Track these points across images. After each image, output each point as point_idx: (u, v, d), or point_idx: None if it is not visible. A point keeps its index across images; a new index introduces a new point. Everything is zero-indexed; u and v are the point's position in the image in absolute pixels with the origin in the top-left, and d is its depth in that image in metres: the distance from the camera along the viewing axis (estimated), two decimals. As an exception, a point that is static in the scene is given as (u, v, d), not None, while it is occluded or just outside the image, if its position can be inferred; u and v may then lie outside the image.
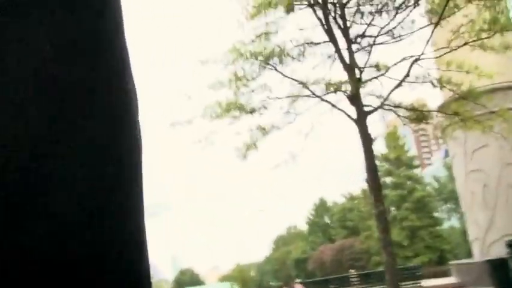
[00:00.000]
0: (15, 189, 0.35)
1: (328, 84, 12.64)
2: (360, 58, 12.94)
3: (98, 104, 0.41)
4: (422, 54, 12.57)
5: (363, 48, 12.96)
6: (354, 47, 12.86)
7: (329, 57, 13.24)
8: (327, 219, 66.18)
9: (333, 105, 12.82)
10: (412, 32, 12.97)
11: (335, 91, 12.67)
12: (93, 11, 0.42)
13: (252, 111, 12.97)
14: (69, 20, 0.39)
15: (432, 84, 13.03)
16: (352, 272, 27.12)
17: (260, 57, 12.74)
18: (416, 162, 48.25)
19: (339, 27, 12.75)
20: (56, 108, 0.37)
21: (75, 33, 0.39)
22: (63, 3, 0.40)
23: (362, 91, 12.58)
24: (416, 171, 46.93)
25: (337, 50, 13.00)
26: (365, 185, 12.80)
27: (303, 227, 75.37)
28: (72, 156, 0.38)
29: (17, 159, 0.35)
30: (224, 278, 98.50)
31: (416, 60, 12.57)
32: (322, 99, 12.91)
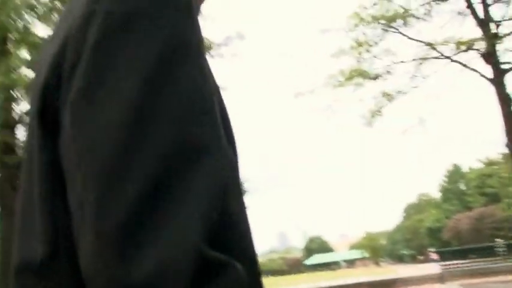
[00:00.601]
0: None
1: (459, 43, 11.74)
2: (497, 11, 11.79)
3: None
4: None
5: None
6: (489, -1, 11.73)
7: (459, 13, 12.24)
8: (462, 186, 62.19)
9: (465, 65, 11.91)
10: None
11: (467, 50, 11.75)
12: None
13: (376, 77, 12.60)
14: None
15: None
16: (499, 241, 24.99)
17: (382, 21, 12.25)
18: None
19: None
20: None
21: None
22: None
23: (499, 48, 11.49)
24: None
25: (469, 5, 11.97)
26: (505, 150, 11.79)
27: (435, 194, 71.91)
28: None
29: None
30: (354, 246, 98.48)
31: None
32: (452, 60, 12.06)
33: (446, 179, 64.66)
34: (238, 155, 0.65)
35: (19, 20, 8.95)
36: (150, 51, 0.48)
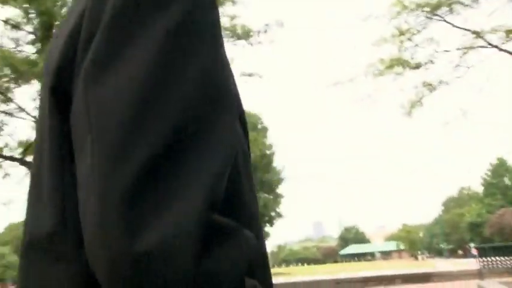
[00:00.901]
0: None
1: (508, 32, 11.23)
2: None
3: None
4: None
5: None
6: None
7: (510, 0, 11.68)
8: (507, 181, 59.99)
9: (514, 55, 11.39)
10: None
11: (517, 39, 11.22)
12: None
13: (417, 66, 12.24)
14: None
15: None
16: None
17: (426, 8, 11.85)
18: None
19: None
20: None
21: None
22: None
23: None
24: None
25: (521, -9, 11.40)
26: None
27: (477, 188, 69.74)
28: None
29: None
30: (390, 238, 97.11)
31: None
32: (500, 49, 11.55)
33: (489, 173, 62.53)
34: (248, 143, 0.65)
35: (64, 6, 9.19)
36: (165, 28, 0.49)
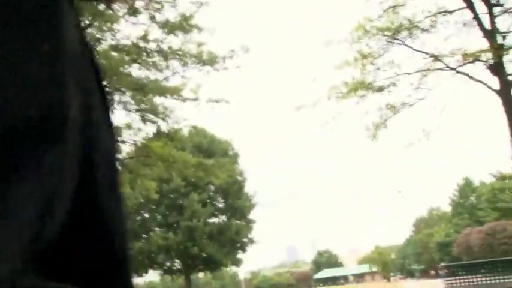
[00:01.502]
0: None
1: (465, 55, 11.63)
2: (503, 22, 11.66)
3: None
4: None
5: (507, 10, 11.63)
6: (496, 9, 11.62)
7: (465, 24, 12.15)
8: (473, 200, 61.38)
9: (471, 77, 11.78)
10: None
11: (473, 61, 11.62)
12: None
13: (380, 89, 12.50)
14: None
15: None
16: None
17: (387, 32, 12.18)
18: None
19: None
20: None
21: None
22: None
23: (506, 59, 11.35)
24: None
25: (475, 16, 11.86)
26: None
27: (445, 208, 71.09)
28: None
29: None
30: (363, 260, 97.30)
31: None
32: (458, 72, 11.94)
33: (456, 193, 63.88)
34: (111, 149, 0.48)
35: None
36: None
